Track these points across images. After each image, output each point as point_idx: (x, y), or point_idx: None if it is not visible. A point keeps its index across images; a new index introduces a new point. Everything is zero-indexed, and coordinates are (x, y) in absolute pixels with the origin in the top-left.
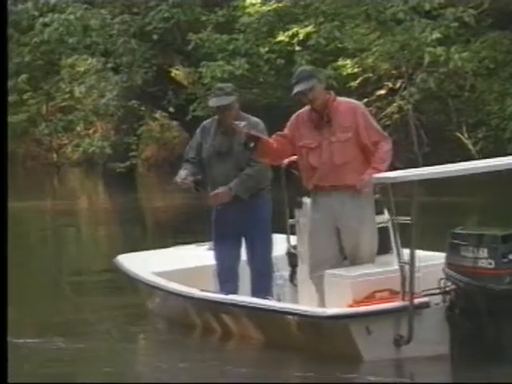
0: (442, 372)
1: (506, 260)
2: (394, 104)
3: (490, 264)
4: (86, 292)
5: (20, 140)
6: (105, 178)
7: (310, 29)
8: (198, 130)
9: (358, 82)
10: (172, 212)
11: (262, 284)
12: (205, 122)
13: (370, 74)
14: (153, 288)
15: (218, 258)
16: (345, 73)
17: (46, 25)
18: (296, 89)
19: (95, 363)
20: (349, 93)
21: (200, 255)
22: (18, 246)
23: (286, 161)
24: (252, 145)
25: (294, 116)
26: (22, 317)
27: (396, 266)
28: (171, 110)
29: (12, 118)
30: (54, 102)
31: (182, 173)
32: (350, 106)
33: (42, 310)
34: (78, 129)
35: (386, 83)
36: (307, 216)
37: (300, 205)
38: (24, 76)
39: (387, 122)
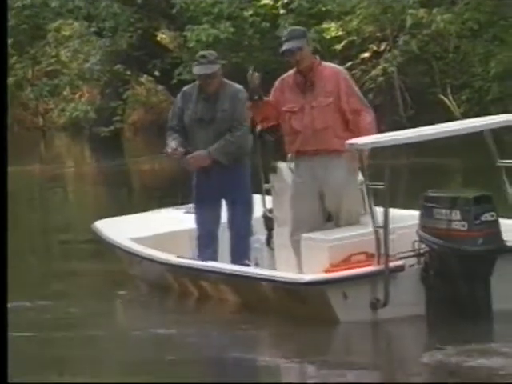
0: (417, 332)
1: (478, 222)
2: (379, 67)
3: (463, 226)
4: (70, 256)
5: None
6: (91, 143)
7: None
8: (179, 96)
9: (342, 44)
10: (158, 175)
11: (241, 248)
12: (185, 88)
13: (355, 37)
14: (130, 255)
15: (199, 222)
16: (329, 36)
17: None
18: (285, 46)
19: (76, 327)
20: (333, 56)
21: (177, 219)
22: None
23: (259, 126)
24: (256, 97)
25: (278, 80)
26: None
27: (371, 229)
28: (157, 74)
29: None
30: (40, 67)
31: (172, 143)
32: (334, 71)
33: (28, 273)
34: (65, 93)
35: (370, 46)
36: (282, 181)
37: (275, 170)
38: (10, 40)
39: (371, 85)
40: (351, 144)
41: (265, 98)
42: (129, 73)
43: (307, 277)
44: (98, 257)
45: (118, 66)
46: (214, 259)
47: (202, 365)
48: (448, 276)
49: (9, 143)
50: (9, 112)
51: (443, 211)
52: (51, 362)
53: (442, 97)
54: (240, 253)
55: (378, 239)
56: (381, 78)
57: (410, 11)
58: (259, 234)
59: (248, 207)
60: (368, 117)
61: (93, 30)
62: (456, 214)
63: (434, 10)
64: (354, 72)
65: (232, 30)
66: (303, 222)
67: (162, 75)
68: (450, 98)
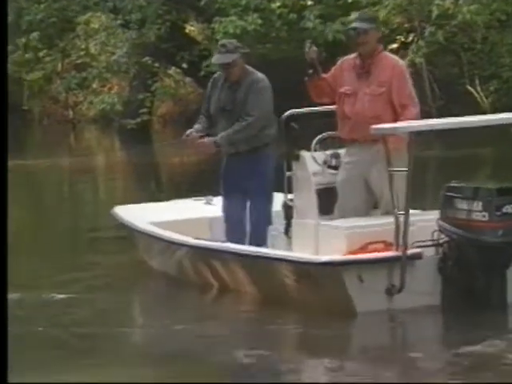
0: (432, 322)
1: (499, 213)
2: (407, 58)
3: (484, 217)
4: (95, 247)
5: (36, 98)
6: (120, 135)
7: None
8: (209, 83)
9: None
10: (188, 167)
11: (258, 235)
12: (215, 75)
13: (383, 28)
14: (148, 237)
15: (224, 209)
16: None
17: None
18: (353, 24)
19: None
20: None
21: (197, 208)
22: (36, 202)
23: (285, 114)
24: (311, 71)
25: (339, 61)
26: (37, 270)
27: (391, 219)
28: (184, 66)
29: (28, 76)
30: (70, 60)
31: (191, 129)
32: (392, 62)
33: (57, 265)
34: (94, 86)
35: (398, 37)
36: (304, 169)
37: (297, 158)
38: (36, 34)
39: None
40: (375, 129)
41: (322, 75)
42: (157, 65)
43: (324, 258)
44: (121, 248)
45: (146, 59)
46: (241, 244)
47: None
48: (465, 266)
49: (39, 136)
50: (38, 105)
51: (465, 201)
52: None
53: (470, 88)
54: (257, 240)
55: (397, 225)
56: (408, 70)
57: (437, 2)
58: (278, 224)
59: (266, 196)
60: (413, 110)
61: (119, 22)
62: (478, 205)
63: (461, 1)
64: None
65: (259, 21)
66: (349, 207)
67: (189, 67)
68: (478, 88)
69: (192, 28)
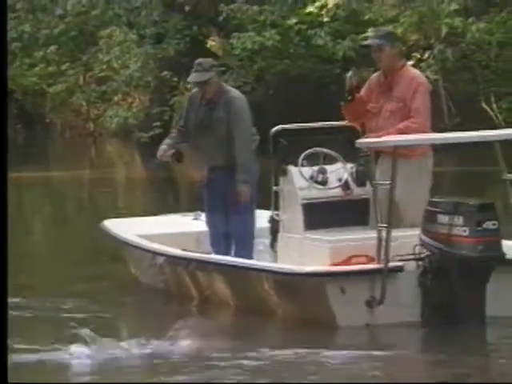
0: (411, 335)
1: (480, 228)
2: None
3: (465, 231)
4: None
5: (58, 110)
6: (139, 148)
7: (339, 0)
8: (187, 100)
9: None
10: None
11: (242, 250)
12: (193, 91)
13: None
14: (134, 248)
15: (207, 223)
16: None
17: None
18: (367, 41)
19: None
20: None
21: (185, 223)
22: (56, 213)
23: (273, 129)
24: (349, 98)
25: (370, 78)
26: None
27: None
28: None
29: (51, 89)
30: (92, 73)
31: (162, 147)
32: (411, 77)
33: (70, 275)
34: (116, 99)
35: (414, 54)
36: (291, 184)
37: (285, 172)
38: (53, 47)
39: None
40: (359, 143)
41: (358, 96)
42: (176, 79)
43: (307, 268)
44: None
45: (165, 73)
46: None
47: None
48: (445, 281)
49: (61, 149)
50: (60, 117)
51: (446, 216)
52: None
53: (484, 105)
54: (241, 254)
55: (379, 239)
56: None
57: (446, 20)
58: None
59: (247, 209)
60: (413, 123)
61: (133, 37)
62: (458, 219)
63: (470, 20)
64: None
65: (277, 37)
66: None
67: None
68: (494, 106)
69: (213, 43)
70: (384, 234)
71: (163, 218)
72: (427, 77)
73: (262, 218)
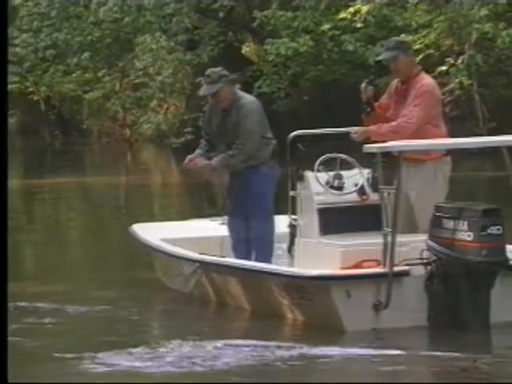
0: (417, 339)
1: (484, 233)
2: (456, 80)
3: (469, 236)
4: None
5: (95, 117)
6: (174, 154)
7: (369, 6)
8: (207, 108)
9: (419, 58)
10: None
11: (261, 254)
12: (211, 100)
13: (432, 50)
14: (155, 251)
15: (228, 227)
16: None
17: (101, 4)
18: (380, 56)
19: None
20: None
21: (212, 227)
22: (92, 219)
23: (291, 134)
24: (368, 109)
25: (389, 86)
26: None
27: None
28: (238, 86)
29: (88, 96)
30: (128, 79)
31: (190, 156)
32: (422, 83)
33: (101, 281)
34: (152, 105)
35: (447, 59)
36: (308, 189)
37: (302, 178)
38: (87, 54)
39: (448, 98)
40: (367, 148)
41: (377, 108)
42: None
43: (314, 271)
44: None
45: (200, 79)
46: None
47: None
48: (450, 286)
49: (97, 155)
50: (97, 124)
51: (451, 221)
52: None
53: None
54: (261, 258)
55: (385, 243)
56: (458, 91)
57: (476, 26)
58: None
59: (264, 213)
60: (398, 123)
61: (164, 43)
62: (463, 224)
63: (500, 25)
64: None
65: (311, 43)
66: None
67: (242, 88)
68: None
69: (247, 49)
70: (389, 238)
71: (192, 222)
72: (461, 82)
73: (279, 222)
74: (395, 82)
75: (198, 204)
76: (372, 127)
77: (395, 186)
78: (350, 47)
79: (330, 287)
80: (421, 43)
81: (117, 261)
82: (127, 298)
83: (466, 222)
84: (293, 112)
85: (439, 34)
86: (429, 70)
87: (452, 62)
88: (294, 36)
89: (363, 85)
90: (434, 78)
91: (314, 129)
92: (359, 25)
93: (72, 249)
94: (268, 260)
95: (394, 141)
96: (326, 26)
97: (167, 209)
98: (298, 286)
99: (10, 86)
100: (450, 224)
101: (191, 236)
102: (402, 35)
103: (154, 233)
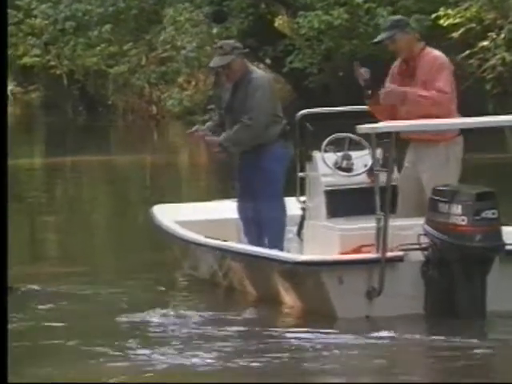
0: (414, 326)
1: (478, 217)
2: (497, 56)
3: (463, 220)
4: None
5: (121, 92)
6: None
7: None
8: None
9: (459, 32)
10: None
11: (271, 236)
12: None
13: (473, 24)
14: (165, 234)
15: (238, 210)
16: (446, 23)
17: None
18: (377, 38)
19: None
20: (449, 45)
21: (232, 209)
22: (116, 199)
23: (299, 113)
24: (369, 92)
25: (391, 69)
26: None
27: (391, 223)
28: (268, 61)
29: (113, 70)
30: (156, 53)
31: (196, 126)
32: (431, 59)
33: (122, 263)
34: (180, 80)
35: (489, 34)
36: (316, 170)
37: (310, 159)
38: (108, 26)
39: (490, 75)
40: (361, 128)
41: (379, 91)
42: None
43: (302, 257)
44: None
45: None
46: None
47: None
48: (446, 272)
49: (122, 132)
50: (122, 100)
51: (446, 205)
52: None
53: None
54: (272, 241)
55: (378, 228)
56: (500, 68)
57: None
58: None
59: (274, 194)
60: (432, 93)
61: (188, 15)
62: (457, 208)
63: None
64: (471, 61)
65: (346, 16)
66: (404, 205)
67: (273, 62)
68: None
69: (280, 21)
70: (382, 222)
71: (213, 203)
72: (503, 58)
73: (291, 205)
74: (397, 64)
75: (225, 184)
76: (408, 89)
77: (387, 169)
78: (382, 21)
79: (320, 273)
80: (461, 17)
81: (138, 243)
82: (142, 280)
83: (460, 206)
84: (326, 88)
85: (481, 7)
86: (470, 45)
87: (494, 36)
88: (328, 8)
89: (355, 66)
90: (476, 53)
91: (346, 105)
92: None
93: (94, 232)
94: (279, 244)
95: (432, 113)
96: None
97: (194, 189)
98: (291, 271)
99: (31, 60)
100: (444, 208)
101: (207, 218)
102: (441, 8)
103: (171, 215)
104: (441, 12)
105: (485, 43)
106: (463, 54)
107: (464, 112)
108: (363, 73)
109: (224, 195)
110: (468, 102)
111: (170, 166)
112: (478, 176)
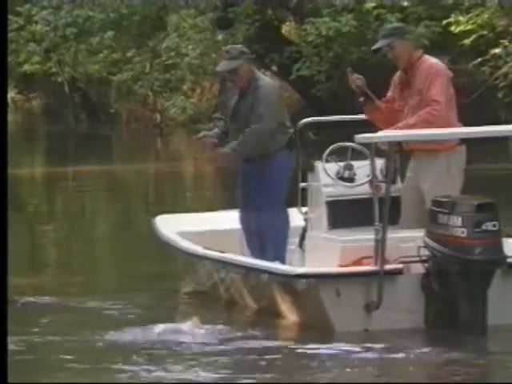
0: (414, 340)
1: (478, 230)
2: (509, 63)
3: (463, 233)
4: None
5: (124, 100)
6: None
7: None
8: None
9: (471, 39)
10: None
11: (274, 247)
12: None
13: (485, 32)
14: (169, 245)
15: (240, 220)
16: (457, 30)
17: None
18: (375, 46)
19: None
20: (461, 52)
21: (235, 220)
22: (118, 208)
23: (300, 122)
24: (362, 99)
25: (393, 78)
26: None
27: (392, 235)
28: (274, 68)
29: (116, 77)
30: (160, 60)
31: (204, 132)
32: (427, 66)
33: (123, 274)
34: (184, 88)
35: (502, 41)
36: (317, 180)
37: (312, 168)
38: (110, 33)
39: (503, 83)
40: (359, 138)
41: (373, 98)
42: None
43: (299, 269)
44: None
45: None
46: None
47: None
48: (446, 285)
49: (125, 140)
50: (125, 107)
51: (445, 216)
52: None
53: None
54: (274, 251)
55: (377, 240)
56: None
57: None
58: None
59: (277, 203)
60: (427, 112)
61: (191, 22)
62: (457, 220)
63: None
64: (483, 69)
65: (354, 23)
66: (407, 216)
67: (280, 70)
68: None
69: (287, 28)
70: (380, 233)
71: (217, 214)
72: None
73: (291, 215)
74: (398, 73)
75: (230, 194)
76: (400, 124)
77: (387, 179)
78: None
79: (317, 286)
80: (473, 23)
81: (139, 254)
82: (144, 291)
83: (459, 218)
84: (335, 96)
85: (493, 14)
86: (482, 52)
87: (506, 43)
88: (336, 15)
89: (348, 73)
90: (488, 61)
91: (355, 114)
92: (406, 3)
93: (94, 243)
94: (280, 255)
95: (431, 127)
96: (370, 4)
97: (198, 199)
98: (289, 283)
99: (32, 67)
100: (444, 219)
101: (210, 229)
102: (452, 15)
103: (173, 225)
104: (452, 18)
105: (497, 50)
106: (475, 62)
107: (475, 121)
108: (355, 79)
109: (228, 205)
110: (480, 111)
111: (173, 176)
112: (480, 186)
